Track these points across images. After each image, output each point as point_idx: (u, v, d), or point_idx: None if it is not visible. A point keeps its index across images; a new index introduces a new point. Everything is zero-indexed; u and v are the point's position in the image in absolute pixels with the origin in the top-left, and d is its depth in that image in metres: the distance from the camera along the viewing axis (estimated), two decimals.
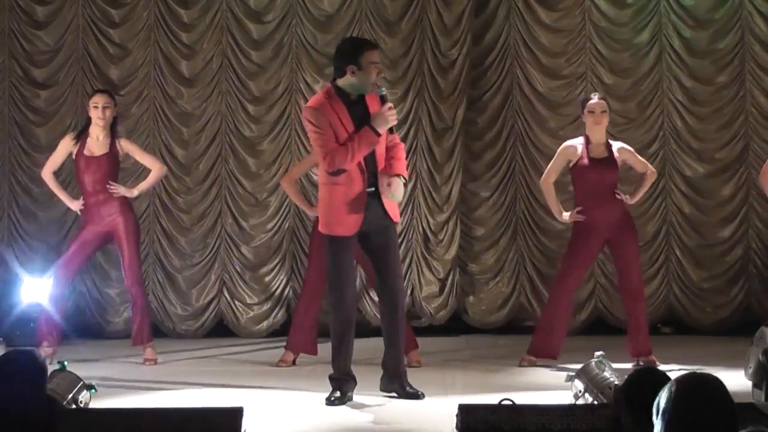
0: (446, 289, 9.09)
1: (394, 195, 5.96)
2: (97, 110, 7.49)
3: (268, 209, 9.05)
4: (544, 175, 7.46)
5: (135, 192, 7.71)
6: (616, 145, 7.40)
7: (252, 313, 9.10)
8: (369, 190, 5.94)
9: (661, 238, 9.12)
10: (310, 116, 5.94)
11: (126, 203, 7.61)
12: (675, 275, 9.09)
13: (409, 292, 8.98)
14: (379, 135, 5.88)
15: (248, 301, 9.10)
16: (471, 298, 9.24)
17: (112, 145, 7.56)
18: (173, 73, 9.20)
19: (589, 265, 7.45)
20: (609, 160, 7.32)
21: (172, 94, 9.19)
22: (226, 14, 9.20)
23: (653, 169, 7.61)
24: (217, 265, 9.15)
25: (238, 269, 9.13)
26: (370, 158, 5.97)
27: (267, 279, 9.10)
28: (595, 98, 7.39)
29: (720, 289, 9.01)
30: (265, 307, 9.07)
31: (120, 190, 7.54)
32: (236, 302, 9.11)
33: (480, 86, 9.25)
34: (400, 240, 8.89)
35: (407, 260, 8.98)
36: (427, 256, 9.10)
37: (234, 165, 9.08)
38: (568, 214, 7.32)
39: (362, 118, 5.92)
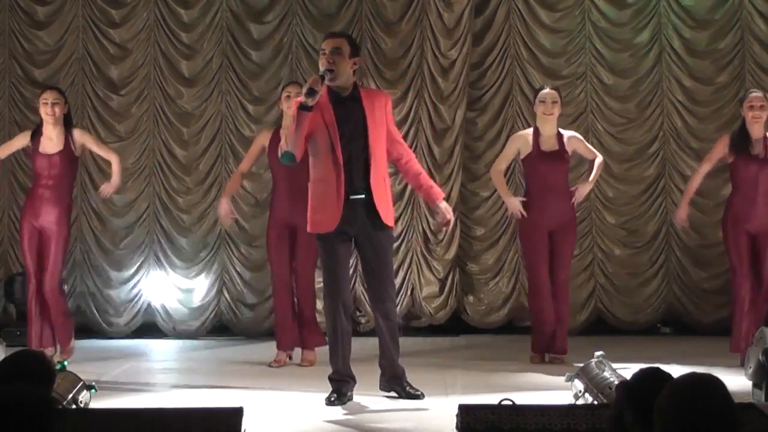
0: (446, 289, 9.10)
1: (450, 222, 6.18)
2: (47, 106, 7.34)
3: (268, 209, 9.02)
4: (494, 163, 7.62)
5: (111, 189, 7.55)
6: (566, 135, 7.38)
7: (252, 313, 9.10)
8: (357, 197, 5.84)
9: (661, 238, 9.12)
10: (293, 110, 5.97)
11: (65, 215, 7.44)
12: (675, 275, 9.09)
13: (409, 292, 8.99)
14: (302, 108, 5.67)
15: (248, 301, 9.11)
16: (471, 298, 9.24)
17: (66, 142, 7.40)
18: (173, 73, 9.20)
19: (548, 258, 7.34)
20: (560, 153, 7.30)
21: (172, 94, 9.19)
22: (226, 14, 9.21)
23: (601, 157, 7.50)
24: (217, 265, 9.16)
25: (238, 269, 9.13)
26: (357, 160, 5.84)
27: (267, 279, 9.08)
28: (547, 88, 7.41)
29: (720, 289, 9.01)
30: (265, 307, 9.06)
31: (107, 189, 7.45)
32: (236, 302, 9.11)
33: (480, 86, 9.25)
34: (399, 240, 8.89)
35: (407, 260, 8.98)
36: (427, 256, 9.10)
37: (234, 165, 9.06)
38: (516, 202, 7.33)
39: (349, 114, 5.86)
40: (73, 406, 4.97)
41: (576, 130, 8.64)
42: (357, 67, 6.01)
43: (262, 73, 9.21)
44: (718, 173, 9.06)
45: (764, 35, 9.08)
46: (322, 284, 6.15)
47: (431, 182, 6.24)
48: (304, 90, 5.69)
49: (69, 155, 7.40)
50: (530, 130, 7.44)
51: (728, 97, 9.09)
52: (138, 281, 9.15)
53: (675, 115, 9.13)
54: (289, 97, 7.24)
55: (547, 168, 7.25)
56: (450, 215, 6.14)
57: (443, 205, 6.14)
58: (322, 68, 5.81)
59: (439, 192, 6.22)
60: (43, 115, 7.37)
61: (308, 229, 6.02)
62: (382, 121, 5.94)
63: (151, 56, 9.22)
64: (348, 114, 5.84)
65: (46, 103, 7.35)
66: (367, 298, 8.90)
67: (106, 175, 9.13)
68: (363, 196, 5.83)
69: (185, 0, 9.24)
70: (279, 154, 5.94)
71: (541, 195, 7.25)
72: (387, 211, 5.94)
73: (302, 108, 5.67)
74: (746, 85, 9.03)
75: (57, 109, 7.34)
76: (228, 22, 9.21)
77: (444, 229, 6.21)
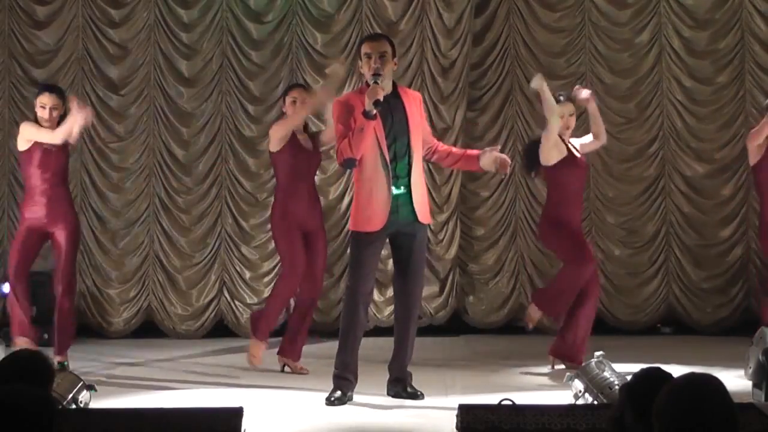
0: (446, 289, 9.10)
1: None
2: (45, 110, 7.09)
3: (268, 209, 8.99)
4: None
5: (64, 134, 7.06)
6: (577, 143, 7.22)
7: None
8: (398, 191, 5.96)
9: (660, 238, 9.12)
10: (333, 109, 6.05)
11: (71, 208, 7.29)
12: (675, 275, 9.09)
13: None
14: (368, 117, 5.81)
15: (248, 301, 9.10)
16: (471, 298, 9.24)
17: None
18: (173, 73, 9.20)
19: None
20: (583, 160, 7.20)
21: (172, 94, 9.19)
22: (226, 14, 9.21)
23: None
24: (217, 265, 9.15)
25: (238, 269, 9.13)
26: (401, 159, 5.96)
27: (267, 279, 9.09)
28: (561, 98, 7.10)
29: (720, 289, 9.02)
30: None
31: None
32: (236, 302, 9.11)
33: (480, 86, 9.25)
34: None
35: None
36: (427, 256, 9.08)
37: (234, 165, 9.08)
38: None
39: (392, 113, 5.94)
40: (73, 406, 4.98)
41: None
42: (396, 67, 6.16)
43: (262, 73, 9.21)
44: (718, 173, 9.10)
45: (764, 35, 9.08)
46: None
47: (463, 150, 6.39)
48: (370, 102, 5.76)
49: (67, 151, 7.31)
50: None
51: (728, 97, 9.09)
52: (138, 281, 9.15)
53: (675, 115, 9.13)
54: (294, 102, 7.04)
55: (578, 174, 7.12)
56: (504, 156, 6.05)
57: (493, 152, 6.05)
58: (369, 72, 5.91)
59: (474, 151, 6.22)
60: (41, 121, 7.13)
61: (351, 227, 6.07)
62: (419, 120, 6.09)
63: (151, 56, 9.22)
64: (392, 113, 5.95)
65: (45, 108, 7.12)
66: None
67: (106, 175, 9.17)
68: (404, 191, 5.96)
69: (185, 0, 9.24)
70: (339, 161, 6.01)
71: (573, 201, 7.09)
72: (425, 207, 6.08)
73: (367, 117, 5.79)
74: (746, 85, 9.04)
75: (55, 114, 7.13)
76: (228, 22, 9.21)
77: (506, 169, 6.12)
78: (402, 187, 5.96)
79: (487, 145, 9.08)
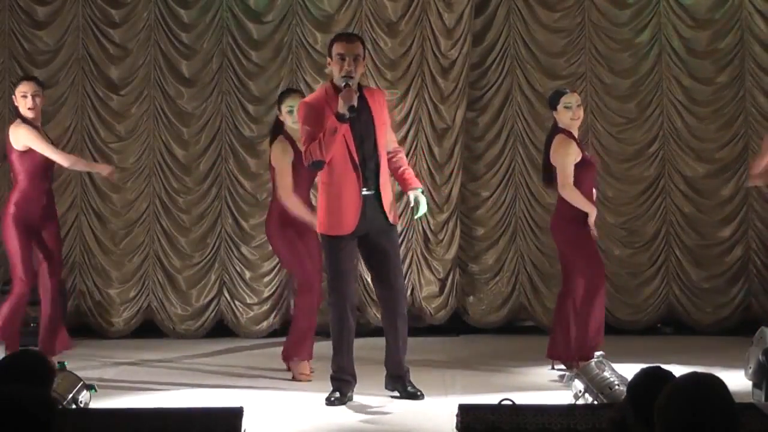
0: (446, 289, 9.09)
1: (420, 209, 6.04)
2: (27, 99, 6.88)
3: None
4: (566, 182, 6.82)
5: None
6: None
7: (252, 313, 9.10)
8: (368, 192, 5.94)
9: (660, 238, 9.11)
10: (300, 111, 6.02)
11: (54, 205, 7.27)
12: (675, 275, 9.09)
13: (409, 292, 8.97)
14: (342, 120, 5.81)
15: (248, 301, 9.10)
16: (471, 298, 9.23)
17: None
18: (173, 73, 9.20)
19: None
20: (592, 158, 7.16)
21: (172, 94, 9.19)
22: (226, 14, 9.20)
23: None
24: (217, 265, 9.15)
25: (238, 269, 9.12)
26: (369, 160, 5.95)
27: (267, 279, 9.09)
28: (568, 90, 7.07)
29: (720, 289, 9.01)
30: (265, 307, 9.07)
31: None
32: (236, 302, 9.10)
33: (480, 86, 9.24)
34: (400, 240, 8.88)
35: (407, 260, 8.98)
36: (427, 256, 9.10)
37: (234, 165, 9.08)
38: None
39: (359, 115, 5.92)
40: (73, 406, 4.98)
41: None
42: (364, 69, 6.20)
43: (262, 73, 9.21)
44: (718, 173, 9.09)
45: (764, 35, 9.08)
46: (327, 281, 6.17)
47: (409, 170, 6.24)
48: (345, 108, 5.77)
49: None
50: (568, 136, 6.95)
51: (728, 97, 9.08)
52: (138, 281, 9.15)
53: (675, 115, 9.12)
54: (291, 111, 6.83)
55: (592, 174, 7.06)
56: (413, 205, 6.05)
57: (412, 195, 6.06)
58: (339, 74, 5.91)
59: (414, 181, 6.16)
60: (23, 110, 6.92)
61: (319, 229, 6.05)
62: (384, 120, 6.08)
63: (151, 56, 9.22)
64: (358, 115, 5.93)
65: (26, 96, 6.91)
66: (369, 297, 8.90)
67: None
68: (373, 192, 5.96)
69: (185, 0, 9.24)
70: (306, 163, 5.98)
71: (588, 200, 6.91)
72: (393, 208, 6.07)
73: (341, 120, 5.80)
74: (746, 85, 9.04)
75: (38, 100, 6.95)
76: (228, 22, 9.21)
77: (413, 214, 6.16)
78: (372, 189, 5.96)
79: (487, 145, 9.18)
